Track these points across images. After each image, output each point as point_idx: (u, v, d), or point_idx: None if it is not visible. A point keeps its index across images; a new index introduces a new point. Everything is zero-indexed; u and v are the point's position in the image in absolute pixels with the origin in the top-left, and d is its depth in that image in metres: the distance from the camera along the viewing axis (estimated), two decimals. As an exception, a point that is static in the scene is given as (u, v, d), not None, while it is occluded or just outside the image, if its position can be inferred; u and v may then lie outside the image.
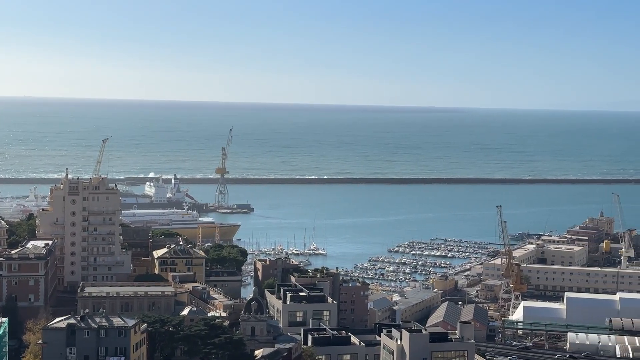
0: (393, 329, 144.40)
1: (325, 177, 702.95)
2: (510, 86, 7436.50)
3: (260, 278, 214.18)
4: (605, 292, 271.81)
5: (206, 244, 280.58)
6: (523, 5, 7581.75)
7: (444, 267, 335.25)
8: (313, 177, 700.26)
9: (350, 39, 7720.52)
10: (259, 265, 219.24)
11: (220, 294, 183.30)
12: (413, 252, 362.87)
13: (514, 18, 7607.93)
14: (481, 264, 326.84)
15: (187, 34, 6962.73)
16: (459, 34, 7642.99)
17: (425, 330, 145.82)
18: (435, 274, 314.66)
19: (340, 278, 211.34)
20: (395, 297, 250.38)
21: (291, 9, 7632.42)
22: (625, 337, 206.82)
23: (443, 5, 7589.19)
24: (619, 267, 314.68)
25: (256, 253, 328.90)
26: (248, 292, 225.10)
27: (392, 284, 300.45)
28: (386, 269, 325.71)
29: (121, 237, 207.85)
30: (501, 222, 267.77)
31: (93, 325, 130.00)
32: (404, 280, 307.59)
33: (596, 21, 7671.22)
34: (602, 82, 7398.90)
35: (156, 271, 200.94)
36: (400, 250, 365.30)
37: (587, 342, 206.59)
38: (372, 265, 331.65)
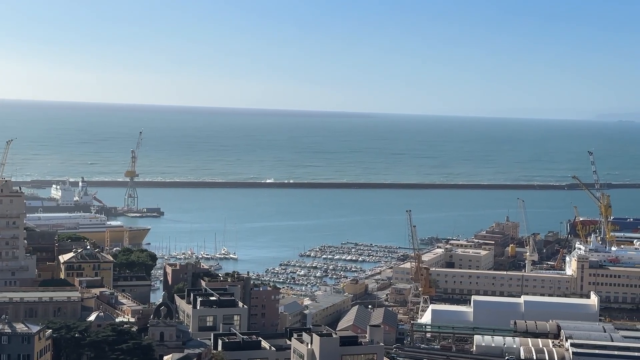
0: (303, 333, 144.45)
1: (237, 180, 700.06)
2: (425, 92, 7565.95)
3: (170, 283, 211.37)
4: (510, 295, 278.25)
5: (114, 248, 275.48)
6: (449, 9, 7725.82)
7: (355, 271, 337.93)
8: (225, 180, 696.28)
9: (269, 43, 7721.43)
10: (169, 270, 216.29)
11: (129, 299, 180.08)
12: (324, 256, 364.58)
13: (441, 21, 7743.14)
14: (391, 267, 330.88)
15: (101, 33, 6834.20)
16: (378, 38, 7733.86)
17: (336, 334, 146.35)
18: (346, 277, 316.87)
19: (251, 282, 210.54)
20: (306, 301, 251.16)
21: (213, 10, 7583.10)
22: (529, 339, 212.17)
23: (366, 11, 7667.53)
24: (523, 270, 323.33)
25: (166, 257, 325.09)
26: (157, 297, 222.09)
27: (303, 288, 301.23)
28: (297, 273, 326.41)
29: (25, 241, 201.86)
30: (411, 226, 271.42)
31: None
32: (315, 284, 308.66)
33: (522, 25, 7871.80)
34: (514, 90, 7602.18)
35: (62, 276, 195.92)
36: (312, 254, 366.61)
37: (493, 345, 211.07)
38: (284, 269, 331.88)
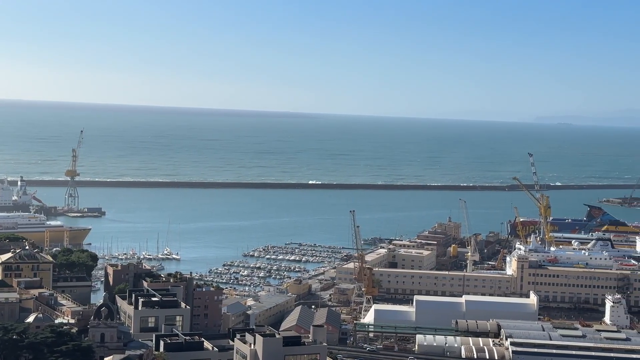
0: (247, 333, 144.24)
1: (181, 180, 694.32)
2: (370, 94, 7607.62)
3: (111, 283, 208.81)
4: (452, 294, 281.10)
5: (54, 249, 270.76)
6: (396, 11, 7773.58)
7: (298, 271, 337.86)
8: (169, 180, 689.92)
9: (215, 43, 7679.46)
10: (110, 270, 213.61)
11: (69, 300, 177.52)
12: (268, 256, 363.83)
13: (386, 23, 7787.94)
14: (334, 268, 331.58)
15: (52, 30, 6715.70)
16: (323, 39, 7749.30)
17: (279, 334, 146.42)
18: (290, 278, 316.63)
19: (194, 283, 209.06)
20: (250, 302, 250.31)
21: (162, 11, 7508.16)
22: (470, 338, 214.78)
23: (312, 12, 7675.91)
24: (465, 270, 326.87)
25: (107, 258, 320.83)
26: (98, 298, 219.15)
27: (247, 288, 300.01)
28: (241, 273, 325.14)
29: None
30: (354, 226, 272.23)
31: None
32: (259, 284, 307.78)
33: (466, 29, 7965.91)
34: (459, 91, 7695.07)
35: (0, 277, 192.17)
36: (255, 254, 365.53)
37: (435, 344, 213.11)
38: (227, 269, 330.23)
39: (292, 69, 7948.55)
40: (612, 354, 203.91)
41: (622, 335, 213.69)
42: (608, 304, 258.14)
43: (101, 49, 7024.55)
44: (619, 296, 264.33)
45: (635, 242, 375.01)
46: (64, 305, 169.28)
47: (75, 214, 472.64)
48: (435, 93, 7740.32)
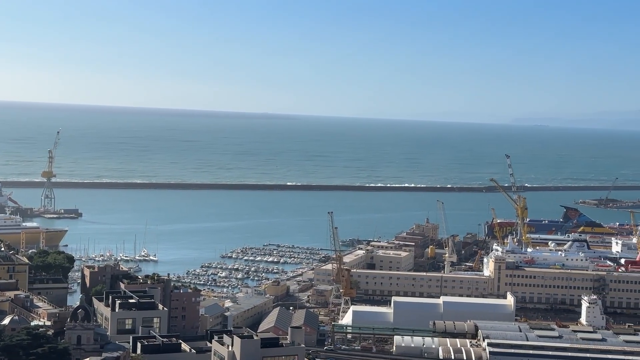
0: (224, 335, 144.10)
1: (159, 182, 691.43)
2: (350, 94, 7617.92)
3: (87, 285, 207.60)
4: (430, 295, 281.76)
5: (30, 250, 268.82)
6: (375, 9, 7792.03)
7: (276, 272, 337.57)
8: (147, 182, 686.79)
9: (190, 44, 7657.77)
10: (87, 272, 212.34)
11: (45, 302, 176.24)
12: (246, 257, 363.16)
13: (366, 23, 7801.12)
14: (313, 269, 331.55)
15: (16, 29, 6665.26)
16: (302, 40, 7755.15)
17: (257, 335, 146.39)
18: (268, 279, 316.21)
19: (172, 284, 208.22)
20: (227, 303, 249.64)
21: (133, 8, 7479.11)
22: (447, 339, 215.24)
23: (290, 12, 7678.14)
24: (442, 271, 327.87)
25: (84, 259, 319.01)
26: (75, 300, 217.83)
27: (225, 289, 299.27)
28: (218, 274, 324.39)
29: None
30: (332, 228, 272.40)
31: None
32: (236, 285, 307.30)
33: (448, 29, 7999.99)
34: (438, 93, 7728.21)
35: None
36: (234, 256, 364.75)
37: (412, 345, 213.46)
38: (205, 271, 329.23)
39: (271, 70, 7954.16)
40: (588, 355, 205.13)
41: (598, 336, 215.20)
42: (584, 305, 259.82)
43: (79, 50, 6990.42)
44: (595, 297, 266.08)
45: (611, 243, 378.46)
46: (40, 307, 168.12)
47: (51, 216, 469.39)
48: (414, 95, 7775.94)
